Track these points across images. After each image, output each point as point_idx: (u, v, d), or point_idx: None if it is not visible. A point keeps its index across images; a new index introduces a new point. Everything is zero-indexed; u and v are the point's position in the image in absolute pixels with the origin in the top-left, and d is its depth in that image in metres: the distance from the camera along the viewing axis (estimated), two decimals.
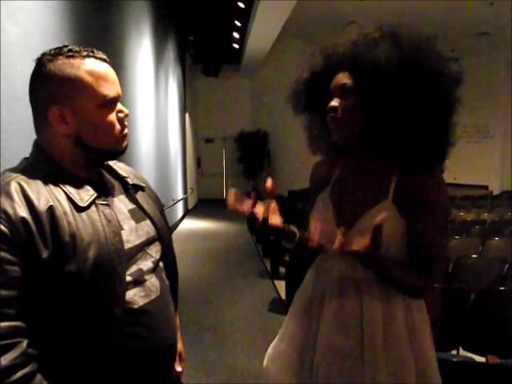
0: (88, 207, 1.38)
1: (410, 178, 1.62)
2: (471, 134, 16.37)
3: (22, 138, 2.54)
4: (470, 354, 3.38)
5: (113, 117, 1.43)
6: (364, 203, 1.67)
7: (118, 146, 1.48)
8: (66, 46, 1.41)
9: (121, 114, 1.46)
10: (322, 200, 1.82)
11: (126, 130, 1.49)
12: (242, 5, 10.97)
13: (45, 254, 1.25)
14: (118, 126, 1.45)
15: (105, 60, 1.45)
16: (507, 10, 11.70)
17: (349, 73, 1.64)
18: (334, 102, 1.64)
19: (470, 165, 16.26)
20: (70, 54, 1.39)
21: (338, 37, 1.76)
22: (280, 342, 1.88)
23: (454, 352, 3.45)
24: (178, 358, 1.73)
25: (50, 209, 1.29)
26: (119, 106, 1.46)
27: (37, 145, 1.44)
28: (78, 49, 1.41)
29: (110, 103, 1.42)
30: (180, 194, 13.21)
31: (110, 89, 1.41)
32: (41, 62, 1.39)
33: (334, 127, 1.66)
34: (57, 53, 1.39)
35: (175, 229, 11.78)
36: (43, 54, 1.40)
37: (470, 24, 13.68)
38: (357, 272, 1.67)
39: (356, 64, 1.61)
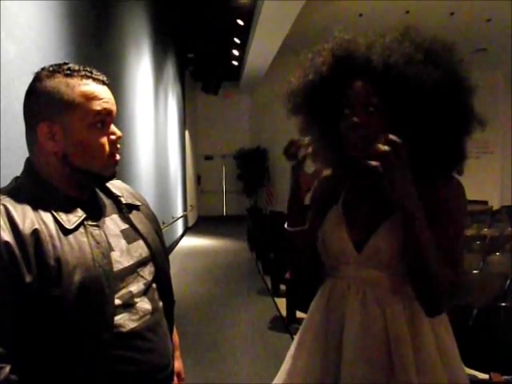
0: (76, 229, 1.35)
1: (426, 187, 1.53)
2: (471, 150, 16.19)
3: (19, 155, 2.52)
4: (472, 371, 3.34)
5: (103, 139, 1.40)
6: (377, 217, 1.58)
7: (106, 171, 1.44)
8: (66, 64, 1.40)
9: (113, 137, 1.42)
10: (333, 217, 1.71)
11: (117, 156, 1.45)
12: (241, 22, 11.05)
13: (28, 279, 1.23)
14: (107, 149, 1.41)
15: (103, 82, 1.43)
16: (505, 26, 11.80)
17: (372, 84, 1.52)
18: (357, 118, 1.52)
19: (470, 180, 16.07)
20: (68, 72, 1.37)
21: (349, 36, 1.65)
22: (287, 380, 1.72)
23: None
24: (176, 378, 1.70)
25: (35, 232, 1.27)
26: (112, 128, 1.43)
27: (28, 162, 1.42)
28: (77, 68, 1.39)
29: (102, 124, 1.39)
30: (180, 212, 13.21)
31: (101, 106, 1.38)
32: (38, 77, 1.38)
33: (355, 143, 1.54)
34: (55, 70, 1.38)
35: (175, 246, 11.76)
36: (42, 69, 1.40)
37: (468, 40, 13.77)
38: (378, 288, 1.57)
39: (388, 82, 1.49)
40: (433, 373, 1.50)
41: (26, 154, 1.44)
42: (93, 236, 1.37)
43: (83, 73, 1.39)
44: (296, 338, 1.79)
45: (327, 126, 1.67)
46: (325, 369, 1.62)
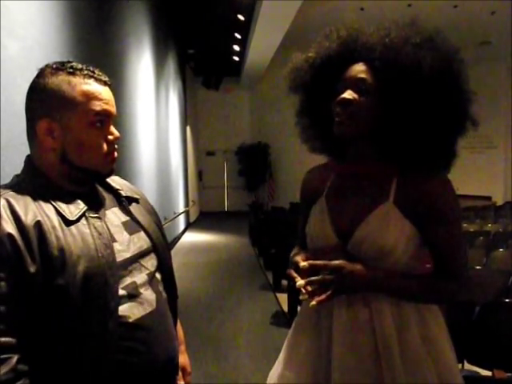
0: (78, 220, 1.37)
1: (414, 180, 1.54)
2: (474, 145, 16.34)
3: (22, 151, 2.50)
4: (475, 368, 3.33)
5: (101, 138, 1.42)
6: (363, 208, 1.57)
7: (103, 169, 1.47)
8: (70, 62, 1.42)
9: (110, 137, 1.45)
10: (317, 210, 1.71)
11: (115, 154, 1.48)
12: (241, 17, 11.03)
13: (32, 269, 1.25)
14: (105, 148, 1.43)
15: (105, 82, 1.44)
16: (509, 19, 11.74)
17: (369, 67, 1.53)
18: (348, 95, 1.52)
19: (474, 175, 16.22)
20: (71, 71, 1.40)
21: (355, 24, 1.66)
22: (286, 368, 1.73)
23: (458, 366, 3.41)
24: (181, 372, 1.70)
25: (38, 224, 1.29)
26: (111, 128, 1.45)
27: (28, 159, 1.45)
28: (80, 67, 1.42)
29: (100, 123, 1.41)
30: (181, 207, 13.22)
31: (101, 106, 1.40)
32: (41, 74, 1.40)
33: (341, 121, 1.53)
34: (58, 68, 1.40)
35: (177, 242, 11.77)
36: (46, 66, 1.42)
37: (471, 33, 13.72)
38: None
39: (385, 61, 1.50)
40: (419, 367, 1.52)
41: (28, 151, 1.45)
42: (95, 227, 1.39)
43: (86, 72, 1.41)
44: (289, 334, 1.84)
45: (322, 108, 1.66)
46: (318, 366, 1.62)
